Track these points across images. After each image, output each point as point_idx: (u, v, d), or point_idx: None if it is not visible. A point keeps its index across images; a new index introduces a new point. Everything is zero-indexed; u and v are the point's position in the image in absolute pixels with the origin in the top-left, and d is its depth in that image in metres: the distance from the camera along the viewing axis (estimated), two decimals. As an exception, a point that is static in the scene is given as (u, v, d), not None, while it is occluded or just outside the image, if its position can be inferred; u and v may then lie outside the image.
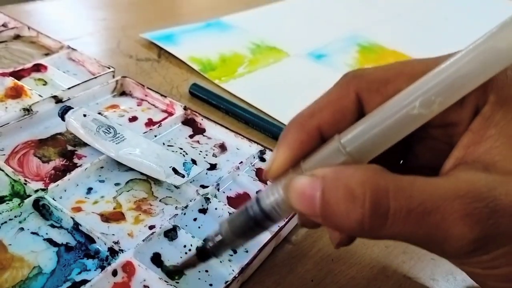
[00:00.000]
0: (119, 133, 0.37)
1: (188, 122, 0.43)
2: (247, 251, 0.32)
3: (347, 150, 0.21)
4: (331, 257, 0.34)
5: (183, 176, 0.35)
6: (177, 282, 0.29)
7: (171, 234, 0.32)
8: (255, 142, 0.41)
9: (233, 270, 0.30)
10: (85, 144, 0.38)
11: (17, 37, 0.53)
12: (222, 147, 0.41)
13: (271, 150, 0.40)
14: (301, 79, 0.55)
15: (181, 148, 0.40)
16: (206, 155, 0.40)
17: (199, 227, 0.33)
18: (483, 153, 0.21)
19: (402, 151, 0.25)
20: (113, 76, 0.47)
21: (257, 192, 0.37)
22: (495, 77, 0.21)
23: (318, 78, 0.55)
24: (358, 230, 0.20)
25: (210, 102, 0.48)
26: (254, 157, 0.40)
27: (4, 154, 0.37)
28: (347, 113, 0.23)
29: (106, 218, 0.33)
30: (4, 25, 0.54)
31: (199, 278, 0.30)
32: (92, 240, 0.31)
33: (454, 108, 0.22)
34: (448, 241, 0.20)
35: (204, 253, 0.25)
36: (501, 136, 0.21)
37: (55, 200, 0.33)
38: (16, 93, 0.43)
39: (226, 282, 0.29)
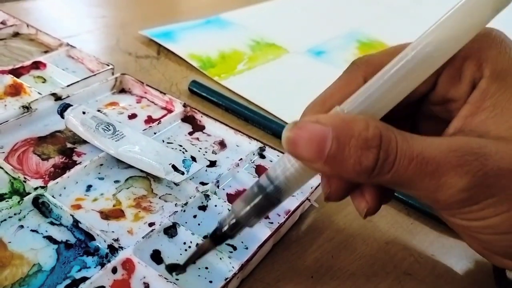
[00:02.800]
0: (118, 131, 0.37)
1: (187, 119, 0.43)
2: (246, 248, 0.32)
3: (345, 111, 0.23)
4: (331, 254, 0.34)
5: (182, 173, 0.35)
6: (177, 279, 0.29)
7: (171, 231, 0.32)
8: (254, 139, 0.41)
9: (233, 267, 0.30)
10: (84, 142, 0.38)
11: (16, 34, 0.53)
12: (222, 144, 0.41)
13: (271, 147, 0.40)
14: (300, 76, 0.55)
15: (180, 145, 0.40)
16: (206, 152, 0.40)
17: (199, 224, 0.33)
18: (478, 123, 0.23)
19: (407, 129, 0.27)
20: (113, 73, 0.47)
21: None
22: (489, 52, 0.24)
23: (317, 75, 0.55)
24: (364, 176, 0.22)
25: (210, 99, 0.48)
26: (253, 154, 0.40)
27: (3, 152, 0.37)
28: None
29: (106, 215, 0.33)
30: (3, 22, 0.54)
31: (199, 275, 0.30)
32: (91, 238, 0.31)
33: (453, 85, 0.25)
34: (441, 188, 0.22)
35: (219, 236, 0.26)
36: (495, 107, 0.23)
37: (54, 198, 0.33)
38: (15, 90, 0.43)
39: (226, 279, 0.29)
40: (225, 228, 0.26)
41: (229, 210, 0.33)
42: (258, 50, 0.59)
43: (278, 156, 0.40)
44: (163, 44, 0.57)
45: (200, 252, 0.27)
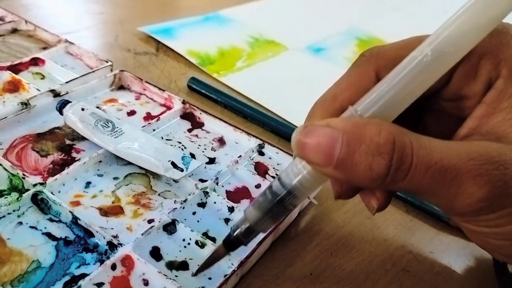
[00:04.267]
0: (117, 127, 0.37)
1: (186, 116, 0.43)
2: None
3: (359, 112, 0.22)
4: (330, 251, 0.34)
5: (181, 170, 0.35)
6: (176, 276, 0.29)
7: (170, 228, 0.32)
8: (254, 136, 0.41)
9: (232, 264, 0.30)
10: (83, 138, 0.38)
11: (14, 31, 0.53)
12: (221, 141, 0.41)
13: (270, 144, 0.40)
14: (300, 73, 0.55)
15: (179, 142, 0.40)
16: (205, 149, 0.40)
17: (198, 221, 0.33)
18: (495, 124, 0.23)
19: (412, 123, 0.26)
20: (111, 70, 0.47)
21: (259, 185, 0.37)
22: (508, 51, 0.23)
23: (317, 72, 0.55)
24: (378, 182, 0.21)
25: (209, 96, 0.47)
26: (253, 151, 0.40)
27: (2, 149, 0.36)
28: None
29: (105, 212, 0.33)
30: (1, 19, 0.54)
31: (198, 272, 0.30)
32: (91, 234, 0.31)
33: (467, 82, 0.24)
34: (458, 197, 0.21)
35: (232, 242, 0.26)
36: None
37: (53, 194, 0.33)
38: (13, 87, 0.43)
39: (225, 275, 0.29)
40: (238, 233, 0.26)
41: (228, 207, 0.33)
42: (257, 47, 0.59)
43: (277, 153, 0.40)
44: (162, 41, 0.57)
45: (213, 259, 0.27)
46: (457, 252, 0.35)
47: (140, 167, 0.36)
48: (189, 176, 0.36)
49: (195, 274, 0.29)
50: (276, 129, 0.44)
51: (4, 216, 0.31)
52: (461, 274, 0.34)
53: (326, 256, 0.33)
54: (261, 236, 0.31)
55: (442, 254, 0.35)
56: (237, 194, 0.36)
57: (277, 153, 0.40)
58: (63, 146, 0.38)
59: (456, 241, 0.36)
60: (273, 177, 0.38)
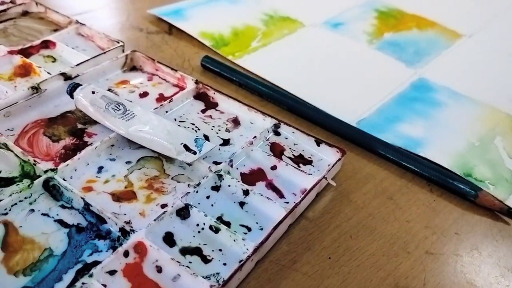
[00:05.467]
0: (128, 110, 0.36)
1: (200, 96, 0.42)
2: (261, 229, 0.31)
3: None
4: (349, 234, 0.32)
5: (194, 153, 0.34)
6: (190, 262, 0.29)
7: (183, 212, 0.31)
8: (269, 115, 0.39)
9: (247, 249, 0.29)
10: (95, 122, 0.37)
11: (25, 13, 0.52)
12: (235, 122, 0.40)
13: (286, 123, 0.39)
14: (318, 50, 0.53)
15: (193, 124, 0.39)
16: (219, 130, 0.39)
17: (212, 205, 0.32)
18: None
19: None
20: (123, 51, 0.46)
21: (272, 168, 0.35)
22: None
23: (335, 48, 0.53)
24: None
25: (223, 75, 0.46)
26: (268, 131, 0.38)
27: (13, 134, 0.36)
28: None
29: (118, 197, 0.32)
30: (12, 1, 0.53)
31: (212, 258, 0.29)
32: (103, 221, 0.30)
33: None
34: None
35: None
36: None
37: (65, 180, 0.32)
38: (24, 71, 0.42)
39: (241, 261, 0.28)
40: None
41: (243, 190, 0.32)
42: (272, 25, 0.57)
43: (293, 133, 0.38)
44: (173, 23, 0.55)
45: None
46: (484, 232, 0.34)
47: (153, 151, 0.35)
48: (203, 159, 0.35)
49: None
50: (293, 108, 0.42)
51: (16, 204, 0.31)
52: (488, 256, 0.32)
53: (345, 239, 0.32)
54: (277, 219, 0.30)
55: (468, 235, 0.33)
56: (252, 177, 0.35)
57: (294, 132, 0.38)
58: (75, 130, 0.37)
59: (483, 221, 0.34)
60: (289, 158, 0.37)
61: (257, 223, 0.31)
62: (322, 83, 0.47)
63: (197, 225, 0.31)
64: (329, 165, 0.35)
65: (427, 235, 0.33)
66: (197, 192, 0.32)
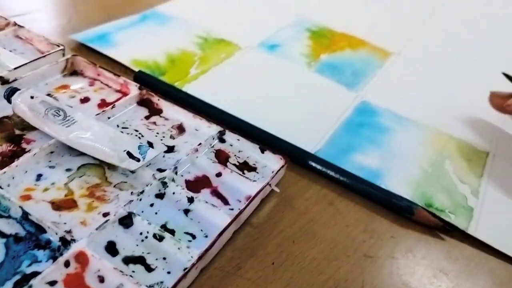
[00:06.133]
0: (69, 116, 0.36)
1: (143, 102, 0.42)
2: (206, 236, 0.31)
3: None
4: (292, 239, 0.33)
5: (138, 160, 0.34)
6: (133, 271, 0.28)
7: (126, 221, 0.31)
8: (214, 122, 0.40)
9: (191, 257, 0.29)
10: (34, 128, 0.36)
11: (-43, 13, 0.49)
12: (180, 128, 0.40)
13: (230, 131, 0.39)
14: (260, 74, 0.51)
15: (136, 130, 0.39)
16: (163, 137, 0.39)
17: (156, 213, 0.32)
18: None
19: None
20: (63, 55, 0.44)
21: (217, 175, 0.36)
22: None
23: (275, 71, 0.52)
24: None
25: (160, 89, 0.44)
26: (213, 138, 0.39)
27: None
28: None
29: (57, 206, 0.31)
30: None
31: (156, 266, 0.29)
32: (42, 230, 0.29)
33: None
34: None
35: None
36: None
37: (2, 189, 0.31)
38: (-43, 74, 0.40)
39: (185, 269, 0.28)
40: None
41: (187, 197, 0.32)
42: (208, 49, 0.54)
43: (238, 140, 0.39)
44: (101, 51, 0.49)
45: None
46: (418, 236, 0.35)
47: (95, 158, 0.35)
48: (147, 166, 0.34)
49: None
50: (232, 125, 0.42)
51: None
52: (420, 257, 0.34)
53: (288, 244, 0.33)
54: (222, 226, 0.30)
55: (404, 238, 0.35)
56: (197, 184, 0.35)
57: (238, 140, 0.39)
58: (13, 136, 0.36)
59: (416, 226, 0.36)
60: (234, 164, 0.37)
61: (201, 230, 0.32)
62: (271, 109, 0.46)
63: (141, 233, 0.30)
64: (273, 172, 0.36)
65: (365, 239, 0.34)
66: (140, 200, 0.32)
